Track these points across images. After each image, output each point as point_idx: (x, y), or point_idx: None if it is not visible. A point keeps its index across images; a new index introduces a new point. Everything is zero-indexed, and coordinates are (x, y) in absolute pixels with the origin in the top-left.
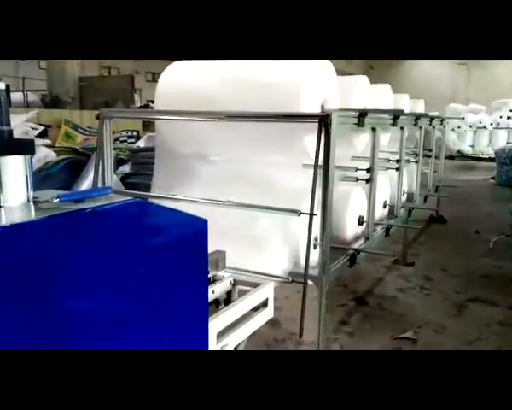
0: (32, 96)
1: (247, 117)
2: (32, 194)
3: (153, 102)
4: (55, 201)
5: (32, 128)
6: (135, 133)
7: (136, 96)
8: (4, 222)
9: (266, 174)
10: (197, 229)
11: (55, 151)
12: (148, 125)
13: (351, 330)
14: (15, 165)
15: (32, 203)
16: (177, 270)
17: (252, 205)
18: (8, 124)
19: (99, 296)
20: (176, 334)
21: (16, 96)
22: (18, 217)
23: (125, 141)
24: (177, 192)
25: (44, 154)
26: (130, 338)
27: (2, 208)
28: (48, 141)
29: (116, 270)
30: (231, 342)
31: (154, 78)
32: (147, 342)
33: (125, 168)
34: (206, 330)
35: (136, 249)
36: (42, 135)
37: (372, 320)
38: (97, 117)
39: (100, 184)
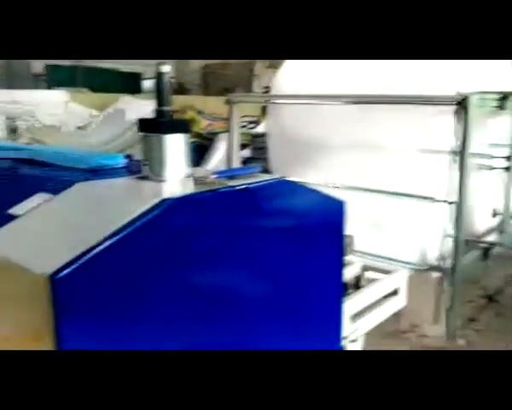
0: None
1: (378, 100)
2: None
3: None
4: (212, 177)
5: None
6: (255, 119)
7: (256, 83)
8: (171, 195)
9: (391, 159)
10: (337, 210)
11: None
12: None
13: (479, 327)
14: (176, 142)
15: (191, 179)
16: (319, 248)
17: (382, 191)
18: (170, 104)
19: (250, 274)
20: (312, 312)
21: (149, 83)
22: (182, 190)
23: (245, 126)
24: (299, 177)
25: None
26: (269, 316)
27: (165, 183)
28: None
29: (265, 247)
30: (363, 327)
31: (273, 64)
32: (285, 320)
33: (246, 153)
34: (341, 311)
35: (283, 227)
36: None
37: (505, 321)
38: (227, 102)
39: (224, 167)
